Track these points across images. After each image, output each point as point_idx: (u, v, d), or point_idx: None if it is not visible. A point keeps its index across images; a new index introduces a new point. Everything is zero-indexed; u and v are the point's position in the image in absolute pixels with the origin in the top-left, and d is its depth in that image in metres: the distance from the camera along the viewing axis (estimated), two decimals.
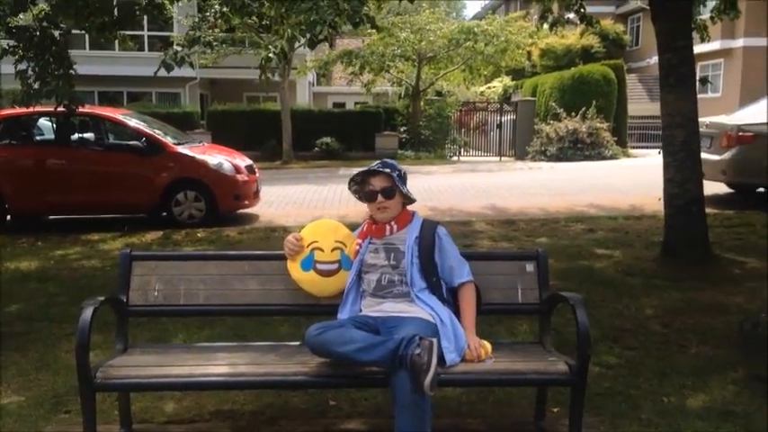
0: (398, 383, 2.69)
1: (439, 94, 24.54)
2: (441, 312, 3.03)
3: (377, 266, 3.14)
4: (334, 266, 3.23)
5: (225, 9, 7.67)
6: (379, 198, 3.13)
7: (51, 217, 10.19)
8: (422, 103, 22.94)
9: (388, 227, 3.16)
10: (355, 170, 3.25)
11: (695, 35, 7.29)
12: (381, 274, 3.13)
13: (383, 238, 3.17)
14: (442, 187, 13.56)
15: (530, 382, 3.13)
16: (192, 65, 7.86)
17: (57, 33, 7.30)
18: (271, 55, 6.92)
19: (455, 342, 2.95)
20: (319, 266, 3.23)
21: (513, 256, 3.61)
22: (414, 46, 21.62)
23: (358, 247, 3.21)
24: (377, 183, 3.14)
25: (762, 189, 10.09)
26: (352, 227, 3.38)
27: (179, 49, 7.55)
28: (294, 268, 3.25)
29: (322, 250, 3.24)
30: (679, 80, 6.29)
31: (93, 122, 10.13)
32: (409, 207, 3.28)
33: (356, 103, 28.12)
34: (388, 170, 3.12)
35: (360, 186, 3.24)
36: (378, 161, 3.23)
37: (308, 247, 3.25)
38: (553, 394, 3.49)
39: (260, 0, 7.16)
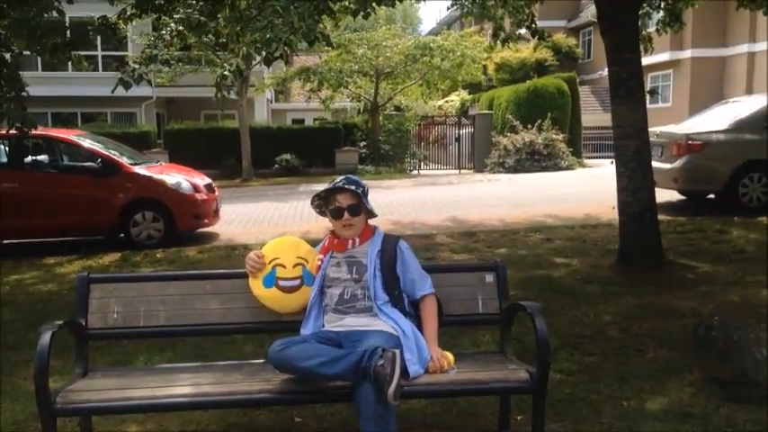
0: (362, 395, 2.71)
1: (397, 108, 24.69)
2: (403, 325, 3.06)
3: (339, 280, 3.17)
4: (297, 282, 3.25)
5: (181, 27, 7.65)
6: (346, 215, 3.16)
7: (5, 241, 9.96)
8: (381, 118, 23.07)
9: (350, 240, 3.19)
10: (316, 186, 3.29)
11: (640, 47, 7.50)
12: (344, 288, 3.15)
13: (345, 252, 3.20)
14: (403, 201, 13.63)
15: (492, 391, 3.17)
16: (150, 82, 7.81)
17: (8, 55, 7.19)
18: (226, 73, 6.91)
19: (418, 354, 2.99)
20: (281, 283, 3.24)
21: (472, 268, 3.67)
22: (371, 62, 21.76)
23: (320, 263, 3.23)
24: (343, 200, 3.16)
25: (712, 195, 10.38)
26: (315, 243, 3.40)
27: (136, 66, 7.50)
28: (256, 285, 3.25)
29: (284, 267, 3.25)
30: (628, 93, 6.46)
31: (47, 144, 9.96)
32: (372, 221, 3.32)
33: (315, 119, 28.13)
34: (353, 187, 3.15)
35: (324, 202, 3.25)
36: (341, 177, 3.24)
37: (269, 263, 3.26)
38: (516, 402, 3.54)
39: (216, 19, 7.16)
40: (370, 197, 3.26)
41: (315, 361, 2.81)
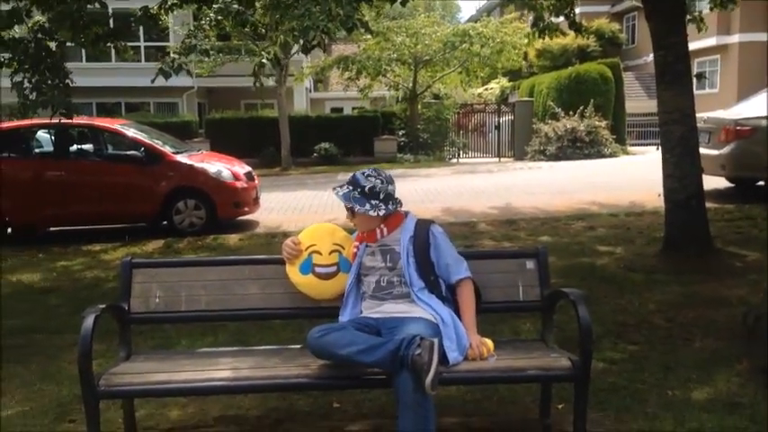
0: (401, 384, 2.69)
1: (436, 96, 24.54)
2: (441, 311, 3.02)
3: (375, 269, 3.15)
4: (333, 269, 3.23)
5: (220, 17, 7.69)
6: (347, 214, 3.20)
7: (52, 228, 10.19)
8: (419, 107, 22.95)
9: (378, 230, 3.16)
10: None
11: (693, 27, 7.30)
12: (380, 276, 3.14)
13: (378, 242, 3.18)
14: (442, 189, 13.55)
15: (533, 379, 3.12)
16: (189, 72, 7.85)
17: (53, 45, 7.31)
18: (264, 60, 6.93)
19: (457, 341, 2.95)
20: (318, 270, 3.23)
21: (513, 254, 3.61)
22: (409, 50, 21.63)
23: (356, 250, 3.22)
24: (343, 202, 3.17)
25: (761, 182, 10.09)
26: (351, 230, 3.38)
27: (176, 56, 7.57)
28: (293, 272, 3.25)
29: (320, 253, 3.24)
30: (675, 77, 6.29)
31: (92, 133, 10.16)
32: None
33: (354, 108, 28.13)
34: (344, 191, 3.13)
35: None
36: (354, 173, 3.21)
37: (306, 250, 3.25)
38: (558, 391, 3.48)
39: (254, 7, 7.17)
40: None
41: (353, 348, 2.80)
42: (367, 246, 3.20)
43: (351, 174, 3.26)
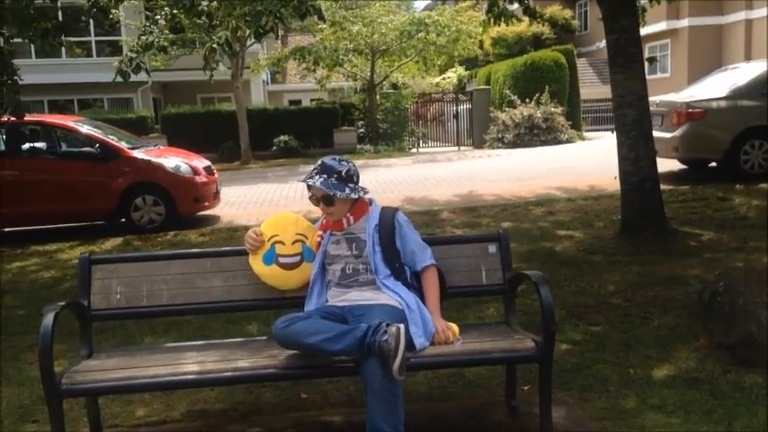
0: (368, 370, 2.70)
1: (394, 86, 24.55)
2: (407, 298, 3.04)
3: (340, 257, 3.15)
4: (297, 259, 3.22)
5: (174, 11, 7.56)
6: (321, 205, 3.12)
7: (6, 229, 9.94)
8: (378, 97, 22.94)
9: (344, 219, 3.14)
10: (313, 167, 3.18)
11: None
12: (345, 264, 3.13)
13: (343, 230, 3.17)
14: (403, 178, 13.58)
15: (498, 361, 3.16)
16: (147, 71, 7.71)
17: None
18: (215, 46, 6.81)
19: (423, 326, 2.97)
20: (281, 260, 3.22)
21: (475, 239, 3.63)
22: (366, 39, 21.57)
23: (319, 239, 3.20)
24: (315, 191, 3.10)
25: (713, 164, 10.34)
26: (315, 221, 3.37)
27: (133, 55, 7.42)
28: (256, 263, 3.23)
29: (283, 243, 3.23)
30: (627, 60, 6.40)
31: (44, 131, 9.91)
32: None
33: (312, 100, 27.97)
34: (321, 179, 3.06)
35: (308, 190, 3.19)
36: (318, 163, 3.14)
37: (268, 241, 3.23)
38: (523, 373, 3.54)
39: None
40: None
41: (319, 337, 2.80)
42: (332, 234, 3.19)
43: (312, 164, 3.23)
